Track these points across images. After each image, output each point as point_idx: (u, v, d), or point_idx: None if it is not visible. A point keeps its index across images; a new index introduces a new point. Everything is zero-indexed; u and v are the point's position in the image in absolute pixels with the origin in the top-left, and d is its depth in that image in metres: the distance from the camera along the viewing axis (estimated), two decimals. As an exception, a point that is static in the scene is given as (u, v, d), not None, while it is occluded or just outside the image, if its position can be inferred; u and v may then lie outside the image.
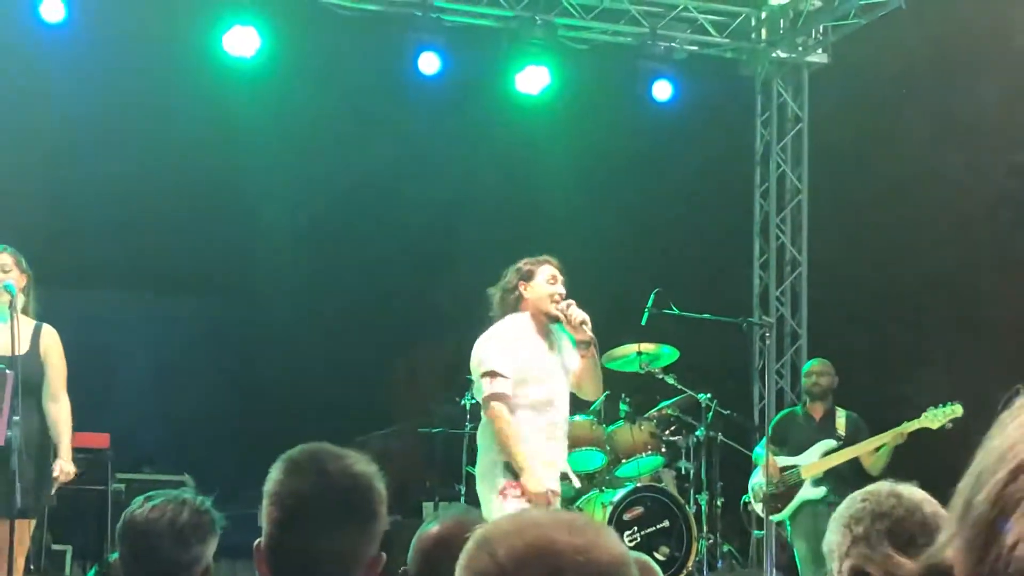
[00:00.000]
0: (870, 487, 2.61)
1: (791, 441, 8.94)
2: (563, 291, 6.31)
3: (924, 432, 8.41)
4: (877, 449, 8.59)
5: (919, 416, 8.36)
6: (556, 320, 6.30)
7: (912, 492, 2.54)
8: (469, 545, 1.57)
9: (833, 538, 2.59)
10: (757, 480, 8.86)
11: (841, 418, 8.93)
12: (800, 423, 9.03)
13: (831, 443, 8.76)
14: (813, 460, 8.75)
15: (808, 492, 8.63)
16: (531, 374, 6.18)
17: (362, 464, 2.55)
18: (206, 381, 12.02)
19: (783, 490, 8.71)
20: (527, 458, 6.03)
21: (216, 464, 10.55)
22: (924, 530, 2.40)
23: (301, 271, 12.17)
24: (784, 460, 8.82)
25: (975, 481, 1.02)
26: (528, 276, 6.33)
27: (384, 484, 2.55)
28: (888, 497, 2.52)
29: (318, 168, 11.88)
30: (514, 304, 6.33)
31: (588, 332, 6.25)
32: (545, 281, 6.30)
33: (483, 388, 6.18)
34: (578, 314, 6.23)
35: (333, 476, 2.49)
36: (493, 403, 6.11)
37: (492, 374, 6.12)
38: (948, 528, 1.05)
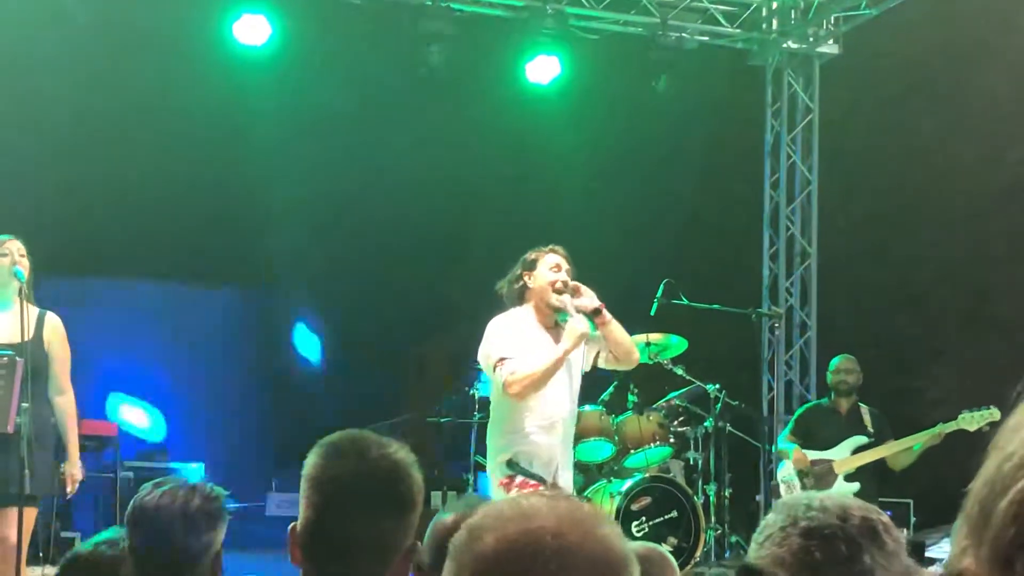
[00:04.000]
0: (788, 510, 2.39)
1: (819, 435, 8.97)
2: (566, 279, 6.17)
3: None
4: (908, 448, 8.62)
5: (955, 417, 8.37)
6: (560, 310, 6.21)
7: (827, 501, 2.38)
8: (461, 531, 1.52)
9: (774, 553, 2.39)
10: (787, 473, 8.91)
11: (866, 415, 8.97)
12: (827, 417, 9.07)
13: (861, 439, 8.82)
14: (845, 456, 8.78)
15: (841, 487, 8.63)
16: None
17: (402, 452, 2.54)
18: (216, 371, 12.03)
19: (812, 484, 8.73)
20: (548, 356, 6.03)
21: (224, 455, 10.57)
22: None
23: (312, 260, 12.18)
24: (814, 454, 8.87)
25: (991, 488, 0.99)
26: (532, 266, 6.23)
27: (421, 473, 2.54)
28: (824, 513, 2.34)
29: (330, 158, 11.88)
30: (519, 295, 6.24)
31: (591, 303, 6.11)
32: (548, 270, 6.20)
33: (499, 377, 6.06)
34: (582, 303, 6.12)
35: (374, 463, 2.48)
36: (510, 380, 6.02)
37: (501, 361, 6.06)
38: (963, 535, 1.02)
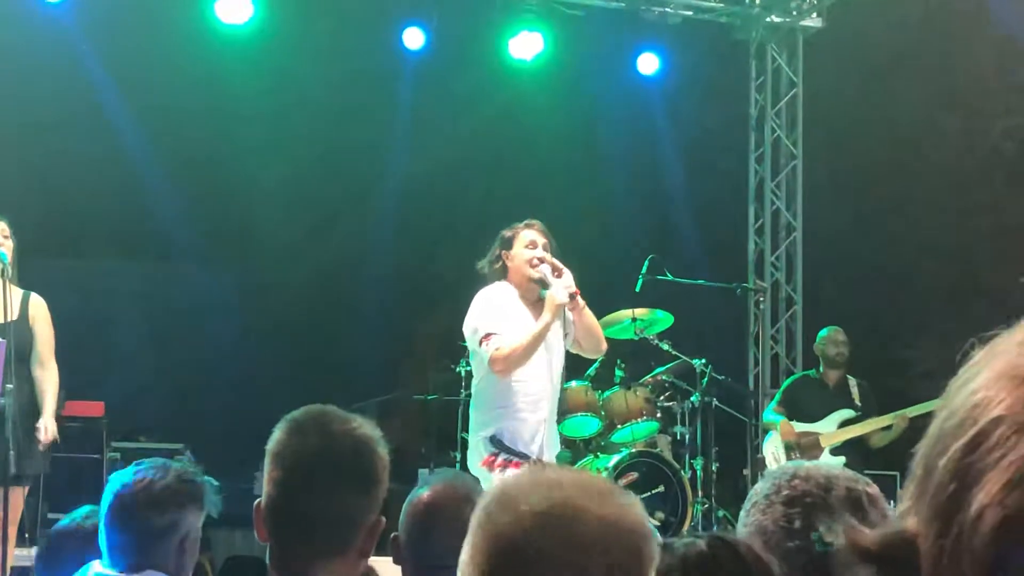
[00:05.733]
0: (774, 478, 2.43)
1: (806, 407, 9.00)
2: (542, 255, 6.19)
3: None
4: (889, 427, 8.68)
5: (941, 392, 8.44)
6: (541, 284, 6.21)
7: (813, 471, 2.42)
8: (486, 502, 1.47)
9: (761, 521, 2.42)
10: (773, 444, 8.95)
11: (854, 387, 9.00)
12: (815, 389, 9.11)
13: (848, 412, 8.85)
14: (831, 429, 8.82)
15: (827, 460, 8.65)
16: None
17: (366, 428, 2.52)
18: (203, 350, 12.01)
19: (798, 457, 8.76)
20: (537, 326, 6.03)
21: (212, 434, 10.54)
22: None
23: (298, 240, 12.15)
24: (801, 426, 8.90)
25: (934, 444, 0.98)
26: (508, 244, 6.26)
27: (387, 450, 2.53)
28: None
29: (313, 135, 11.83)
30: (500, 275, 6.27)
31: (568, 288, 6.09)
32: (524, 248, 6.21)
33: (485, 354, 6.08)
34: (563, 281, 6.12)
35: (336, 438, 2.46)
36: (495, 356, 6.03)
37: (487, 336, 6.07)
38: (907, 495, 1.01)
